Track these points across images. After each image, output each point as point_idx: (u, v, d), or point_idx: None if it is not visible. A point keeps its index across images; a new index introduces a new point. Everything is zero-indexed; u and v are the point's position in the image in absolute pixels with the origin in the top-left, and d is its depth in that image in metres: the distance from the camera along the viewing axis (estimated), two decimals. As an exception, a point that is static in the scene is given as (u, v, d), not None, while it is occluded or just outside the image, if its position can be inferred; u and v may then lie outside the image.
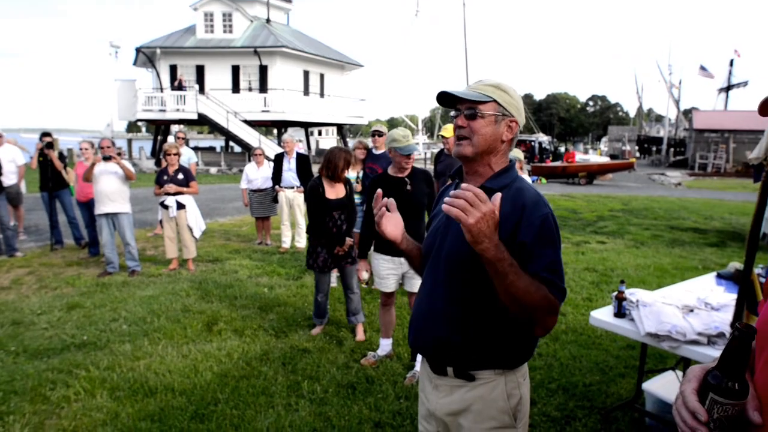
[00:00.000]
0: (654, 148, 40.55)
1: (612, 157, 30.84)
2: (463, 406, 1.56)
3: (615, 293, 2.96)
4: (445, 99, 1.57)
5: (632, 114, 72.59)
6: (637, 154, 41.30)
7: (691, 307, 2.82)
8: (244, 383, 3.52)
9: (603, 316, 2.99)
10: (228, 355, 3.96)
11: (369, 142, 6.17)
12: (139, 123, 30.85)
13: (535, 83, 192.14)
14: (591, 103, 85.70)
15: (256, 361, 3.89)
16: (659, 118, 47.79)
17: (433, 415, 1.65)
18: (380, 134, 5.48)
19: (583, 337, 4.38)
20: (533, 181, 21.10)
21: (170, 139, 8.15)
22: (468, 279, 1.47)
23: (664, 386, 3.12)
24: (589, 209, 12.70)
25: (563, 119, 79.07)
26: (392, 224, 1.66)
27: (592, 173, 21.18)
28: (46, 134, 7.91)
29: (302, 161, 7.54)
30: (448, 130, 4.93)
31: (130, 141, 30.79)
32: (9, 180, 7.92)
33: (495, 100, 1.52)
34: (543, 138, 26.10)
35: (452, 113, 1.58)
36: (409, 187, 3.58)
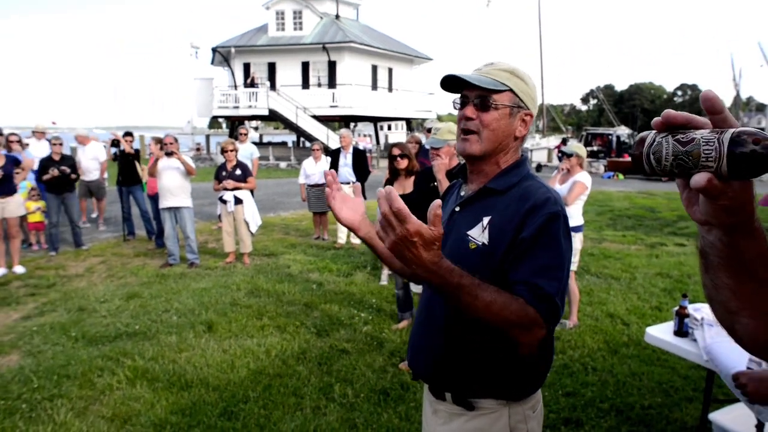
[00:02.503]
0: (753, 141, 36.93)
1: (701, 151, 28.40)
2: None
3: (676, 308, 2.61)
4: (451, 84, 1.35)
5: (728, 104, 66.72)
6: (732, 148, 37.83)
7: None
8: (276, 382, 3.48)
9: (661, 333, 2.65)
10: (266, 352, 3.95)
11: (422, 137, 6.00)
12: (219, 119, 32.40)
13: (617, 73, 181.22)
14: (679, 92, 79.67)
15: (293, 359, 3.85)
16: (761, 108, 43.53)
17: None
18: (432, 131, 5.30)
19: (646, 352, 3.96)
20: (608, 178, 19.86)
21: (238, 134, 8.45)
22: None
23: (735, 419, 2.71)
24: (669, 208, 11.70)
25: (647, 111, 74.05)
26: (348, 207, 1.45)
27: (675, 168, 19.59)
28: (127, 134, 8.45)
29: (359, 156, 7.47)
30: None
31: (208, 137, 32.40)
32: (92, 175, 8.68)
33: (511, 89, 1.31)
34: (622, 131, 24.47)
35: (454, 100, 1.37)
36: (434, 183, 3.40)
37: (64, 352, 4.00)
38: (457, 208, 1.40)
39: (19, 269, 6.22)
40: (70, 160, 7.18)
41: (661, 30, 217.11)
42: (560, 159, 4.71)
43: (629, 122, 60.23)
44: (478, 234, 1.30)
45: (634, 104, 73.29)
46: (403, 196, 3.59)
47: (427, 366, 1.44)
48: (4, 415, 3.10)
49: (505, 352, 1.28)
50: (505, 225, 1.26)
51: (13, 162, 6.31)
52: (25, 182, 7.29)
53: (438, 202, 1.02)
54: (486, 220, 1.30)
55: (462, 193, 1.46)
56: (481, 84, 1.29)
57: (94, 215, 9.77)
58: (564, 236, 1.25)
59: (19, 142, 7.65)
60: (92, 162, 8.58)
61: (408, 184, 4.24)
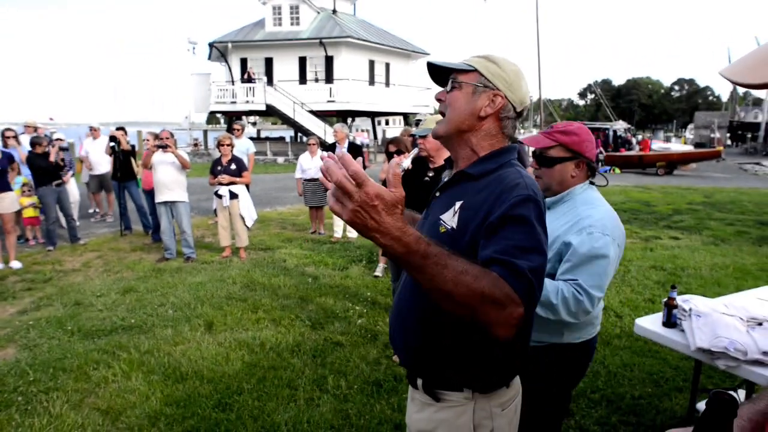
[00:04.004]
0: (749, 136, 36.93)
1: (698, 145, 28.41)
2: (431, 428, 1.37)
3: (665, 299, 2.63)
4: (438, 76, 1.39)
5: (725, 98, 66.73)
6: (728, 142, 37.84)
7: (760, 320, 2.44)
8: (271, 374, 3.51)
9: (650, 324, 2.67)
10: (261, 345, 3.98)
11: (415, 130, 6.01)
12: (217, 115, 32.33)
13: (614, 68, 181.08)
14: (677, 87, 79.68)
15: (288, 352, 3.88)
16: (758, 102, 43.51)
17: (408, 428, 1.49)
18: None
19: (638, 344, 3.99)
20: (605, 172, 19.87)
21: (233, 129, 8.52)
22: None
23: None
24: (665, 202, 11.74)
25: (645, 106, 74.10)
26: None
27: (672, 163, 19.55)
28: (120, 128, 8.45)
29: (355, 151, 7.48)
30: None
31: (206, 132, 32.36)
32: (102, 168, 8.83)
33: (476, 70, 1.30)
34: (619, 126, 24.45)
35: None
36: (431, 173, 3.43)
37: (60, 346, 4.02)
38: (437, 194, 1.40)
39: (15, 264, 6.23)
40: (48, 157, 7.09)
41: (659, 25, 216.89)
42: None
43: (627, 117, 60.20)
44: (449, 218, 1.27)
45: (631, 99, 73.28)
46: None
47: (400, 350, 1.43)
48: (0, 408, 3.12)
49: (476, 338, 1.26)
50: (475, 210, 1.22)
51: (9, 158, 6.31)
52: (21, 177, 7.30)
53: (396, 160, 1.03)
54: (458, 204, 1.27)
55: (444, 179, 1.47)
56: (446, 65, 1.33)
57: (91, 210, 9.80)
58: (537, 220, 1.15)
59: (15, 137, 7.66)
60: (102, 156, 8.63)
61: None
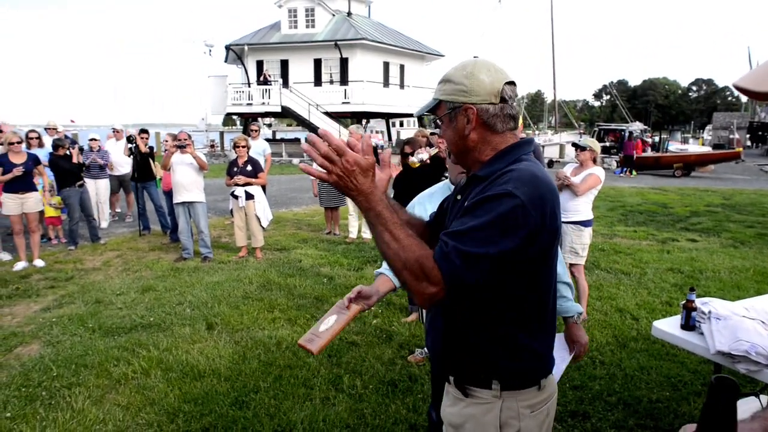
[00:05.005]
0: (771, 136, 36.27)
1: (716, 146, 27.96)
2: (460, 422, 1.42)
3: (684, 302, 2.61)
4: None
5: (745, 99, 65.50)
6: (748, 143, 37.18)
7: (782, 322, 2.41)
8: (287, 373, 3.55)
9: (668, 327, 2.65)
10: (277, 344, 4.02)
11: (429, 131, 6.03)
12: (233, 116, 32.66)
13: (630, 68, 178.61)
14: (694, 88, 78.47)
15: (303, 351, 3.89)
16: (779, 102, 42.53)
17: (444, 420, 1.53)
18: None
19: (655, 346, 3.96)
20: (620, 173, 19.64)
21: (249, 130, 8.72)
22: None
23: (743, 414, 2.71)
24: (682, 203, 11.58)
25: (661, 106, 73.09)
26: None
27: (689, 164, 19.27)
28: (142, 130, 8.61)
29: (368, 152, 7.51)
30: None
31: (222, 134, 32.66)
32: (123, 169, 8.96)
33: (441, 100, 1.36)
34: (635, 127, 24.18)
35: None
36: (447, 174, 3.44)
37: (82, 343, 4.11)
38: (458, 197, 1.44)
39: (39, 263, 6.37)
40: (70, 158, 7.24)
41: (676, 24, 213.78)
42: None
43: (643, 118, 59.33)
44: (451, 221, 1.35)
45: (647, 100, 72.34)
46: (405, 181, 3.59)
47: (432, 348, 1.49)
48: (25, 401, 3.20)
49: (496, 341, 1.31)
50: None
51: (34, 160, 6.46)
52: (42, 177, 7.46)
53: (369, 134, 1.12)
54: (461, 204, 1.35)
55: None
56: (423, 111, 1.43)
57: (118, 210, 9.99)
58: (501, 212, 1.16)
59: (39, 138, 7.84)
60: (123, 156, 8.80)
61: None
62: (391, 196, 4.66)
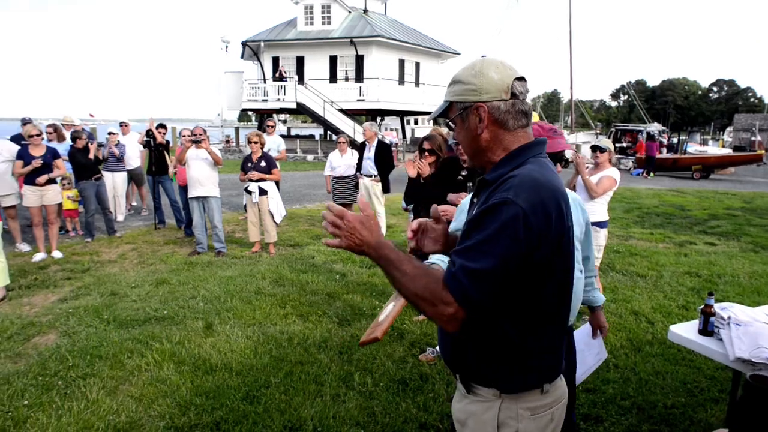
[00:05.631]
0: (794, 139, 35.44)
1: (737, 148, 27.44)
2: (464, 418, 1.44)
3: (702, 306, 2.56)
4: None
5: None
6: (771, 146, 36.38)
7: (804, 329, 2.35)
8: (298, 369, 3.56)
9: (685, 332, 2.61)
10: (289, 340, 4.03)
11: (444, 129, 5.98)
12: (248, 112, 32.88)
13: (648, 68, 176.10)
14: (715, 88, 77.05)
15: (314, 347, 3.92)
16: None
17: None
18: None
19: (671, 351, 3.90)
20: (637, 174, 19.37)
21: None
22: None
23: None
24: (701, 206, 11.39)
25: (680, 107, 71.93)
26: (431, 240, 1.51)
27: (708, 166, 18.93)
28: (160, 125, 8.70)
29: (382, 150, 7.50)
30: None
31: (237, 129, 32.90)
32: (134, 162, 9.08)
33: (451, 101, 1.36)
34: (652, 128, 23.82)
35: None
36: (464, 173, 3.41)
37: (97, 334, 4.16)
38: (474, 200, 1.45)
39: (57, 254, 6.48)
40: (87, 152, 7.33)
41: (697, 23, 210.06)
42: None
43: (661, 119, 58.52)
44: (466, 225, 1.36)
45: (666, 100, 71.24)
46: (419, 183, 3.56)
47: (442, 347, 1.50)
48: (42, 390, 3.26)
49: (497, 344, 1.31)
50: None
51: (53, 153, 6.56)
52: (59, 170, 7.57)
53: (360, 196, 1.16)
54: (474, 210, 1.35)
55: None
56: (436, 114, 1.42)
57: (134, 203, 10.12)
58: (502, 222, 1.17)
59: (56, 132, 7.96)
60: (134, 151, 8.91)
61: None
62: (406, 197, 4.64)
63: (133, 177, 9.36)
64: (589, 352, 2.68)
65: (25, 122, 7.56)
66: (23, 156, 6.29)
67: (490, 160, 1.35)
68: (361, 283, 5.56)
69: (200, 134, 6.56)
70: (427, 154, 4.20)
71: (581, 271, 2.31)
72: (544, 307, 1.29)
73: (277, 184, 7.03)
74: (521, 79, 1.31)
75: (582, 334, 2.65)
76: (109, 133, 8.45)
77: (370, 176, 7.53)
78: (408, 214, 5.92)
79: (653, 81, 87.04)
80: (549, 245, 1.21)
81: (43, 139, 6.69)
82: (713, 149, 25.57)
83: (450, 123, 1.39)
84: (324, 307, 4.77)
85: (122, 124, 9.42)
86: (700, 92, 76.25)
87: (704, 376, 3.55)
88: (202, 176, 6.52)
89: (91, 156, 7.24)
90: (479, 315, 1.23)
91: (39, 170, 6.29)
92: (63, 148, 7.54)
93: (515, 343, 1.29)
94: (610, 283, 5.55)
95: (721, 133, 51.92)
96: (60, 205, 6.94)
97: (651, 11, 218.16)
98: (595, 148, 4.56)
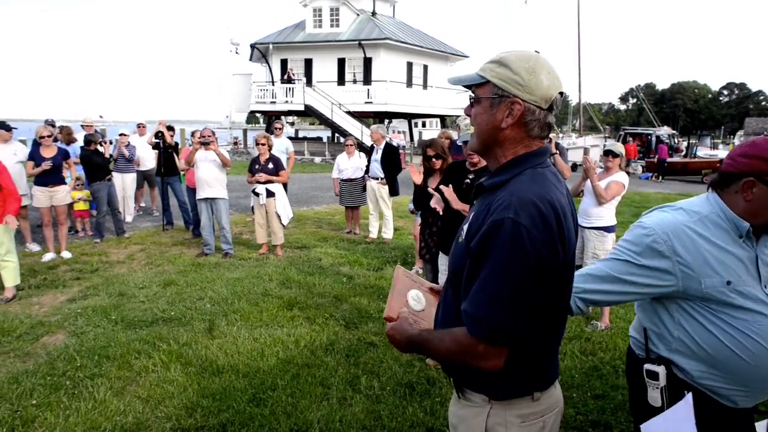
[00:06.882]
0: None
1: (748, 153, 27.15)
2: (455, 422, 1.45)
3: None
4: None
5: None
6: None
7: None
8: (304, 371, 3.55)
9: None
10: (295, 342, 4.03)
11: (453, 133, 5.99)
12: (257, 114, 33.03)
13: (658, 71, 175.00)
14: (725, 92, 76.45)
15: (321, 350, 3.92)
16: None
17: None
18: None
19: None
20: (646, 179, 19.25)
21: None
22: (459, 292, 1.31)
23: None
24: (712, 212, 11.27)
25: (690, 111, 71.45)
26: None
27: (718, 170, 18.77)
28: (168, 127, 8.77)
29: (390, 152, 7.50)
30: None
31: (245, 131, 33.04)
32: (149, 164, 9.17)
33: (489, 80, 1.27)
34: (662, 131, 23.66)
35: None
36: (471, 176, 3.40)
37: (105, 334, 4.18)
38: (474, 202, 1.43)
39: (66, 254, 6.52)
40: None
41: (707, 26, 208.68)
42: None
43: (670, 122, 58.11)
44: (464, 229, 1.33)
45: (676, 104, 70.79)
46: (426, 191, 3.54)
47: None
48: (50, 390, 3.27)
49: None
50: (473, 224, 1.27)
51: (64, 155, 6.62)
52: (70, 171, 7.64)
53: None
54: (471, 216, 1.33)
55: None
56: (461, 82, 1.33)
57: (143, 204, 10.18)
58: (503, 246, 1.16)
59: (66, 132, 8.04)
60: (149, 152, 8.97)
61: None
62: (411, 199, 4.64)
63: (146, 178, 9.43)
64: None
65: (48, 123, 7.66)
66: (34, 157, 6.36)
67: (496, 157, 1.33)
68: (368, 285, 5.55)
69: (209, 136, 6.59)
70: (434, 160, 4.18)
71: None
72: (542, 316, 1.26)
73: (285, 186, 7.05)
74: (561, 93, 1.29)
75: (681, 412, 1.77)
76: (120, 134, 8.53)
77: (377, 179, 7.54)
78: (415, 217, 5.91)
79: (663, 84, 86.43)
80: (554, 257, 1.20)
81: (56, 140, 6.77)
82: (723, 153, 25.35)
83: (473, 98, 1.32)
84: (331, 310, 4.77)
85: (139, 125, 9.51)
86: (710, 95, 75.74)
87: (715, 383, 3.50)
88: (210, 178, 6.54)
89: (107, 154, 7.35)
90: (517, 342, 1.22)
91: (49, 172, 6.35)
92: (72, 150, 7.61)
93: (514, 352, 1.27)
94: (618, 287, 5.50)
95: (732, 137, 51.47)
96: (70, 205, 7.00)
97: (660, 13, 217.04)
98: (608, 153, 4.52)
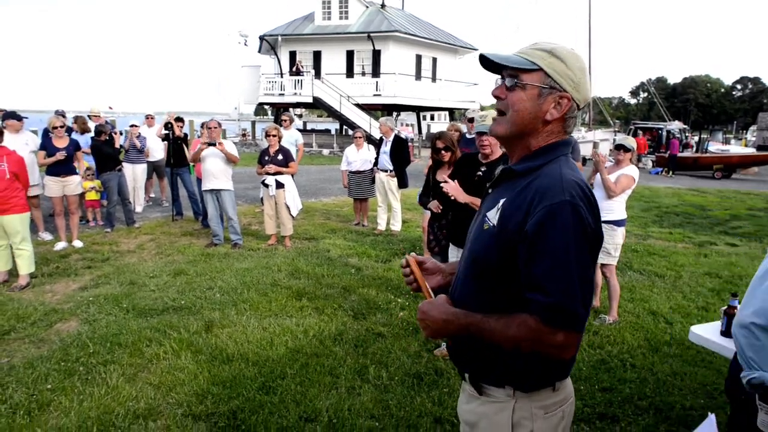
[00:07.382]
0: (822, 139, 34.58)
1: (761, 148, 26.87)
2: (475, 420, 1.41)
3: (725, 308, 2.52)
4: (490, 65, 1.33)
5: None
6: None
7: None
8: (313, 361, 3.58)
9: (707, 332, 2.57)
10: (304, 332, 4.06)
11: (463, 126, 5.98)
12: (265, 106, 33.07)
13: (669, 65, 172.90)
14: (739, 86, 75.41)
15: (330, 340, 3.95)
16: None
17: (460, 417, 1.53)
18: (473, 121, 5.28)
19: (690, 352, 3.85)
20: (656, 173, 19.08)
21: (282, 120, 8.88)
22: (482, 282, 1.30)
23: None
24: (722, 206, 11.18)
25: (702, 105, 70.58)
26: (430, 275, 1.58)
27: (729, 166, 18.56)
28: (178, 119, 8.80)
29: (399, 145, 7.49)
30: None
31: (254, 123, 33.10)
32: (159, 155, 9.19)
33: (542, 69, 1.25)
34: (673, 126, 23.41)
35: (496, 80, 1.35)
36: (483, 168, 3.39)
37: (117, 322, 4.23)
38: (490, 189, 1.41)
39: (77, 243, 6.60)
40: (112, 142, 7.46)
41: (720, 19, 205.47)
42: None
43: (682, 117, 57.44)
44: (493, 215, 1.29)
45: (687, 98, 69.96)
46: (437, 184, 3.53)
47: (449, 345, 1.50)
48: (64, 375, 3.33)
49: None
50: (514, 210, 1.24)
51: (75, 145, 6.68)
52: (80, 162, 7.71)
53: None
54: (501, 202, 1.29)
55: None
56: (508, 63, 1.28)
57: (152, 195, 10.26)
58: (564, 229, 1.16)
59: (84, 123, 8.12)
60: (158, 143, 9.02)
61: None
62: (420, 192, 4.63)
63: (156, 169, 9.49)
64: None
65: (59, 114, 7.71)
66: (47, 147, 6.42)
67: (528, 145, 1.32)
68: (377, 277, 5.57)
69: (214, 126, 6.61)
70: (442, 152, 4.18)
71: None
72: None
73: (293, 177, 7.06)
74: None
75: None
76: (131, 125, 8.58)
77: (386, 171, 7.54)
78: (423, 209, 5.91)
79: (674, 78, 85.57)
80: (599, 238, 1.24)
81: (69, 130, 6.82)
82: (735, 148, 25.10)
83: (517, 82, 1.27)
84: (339, 301, 4.79)
85: (148, 117, 9.55)
86: (723, 90, 74.78)
87: (724, 378, 3.49)
88: (216, 169, 6.57)
89: (117, 145, 7.39)
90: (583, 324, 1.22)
91: (62, 162, 6.41)
92: (84, 140, 7.67)
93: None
94: (627, 282, 5.49)
95: (745, 132, 50.82)
96: (81, 195, 7.06)
97: (673, 6, 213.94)
98: (619, 147, 4.49)
